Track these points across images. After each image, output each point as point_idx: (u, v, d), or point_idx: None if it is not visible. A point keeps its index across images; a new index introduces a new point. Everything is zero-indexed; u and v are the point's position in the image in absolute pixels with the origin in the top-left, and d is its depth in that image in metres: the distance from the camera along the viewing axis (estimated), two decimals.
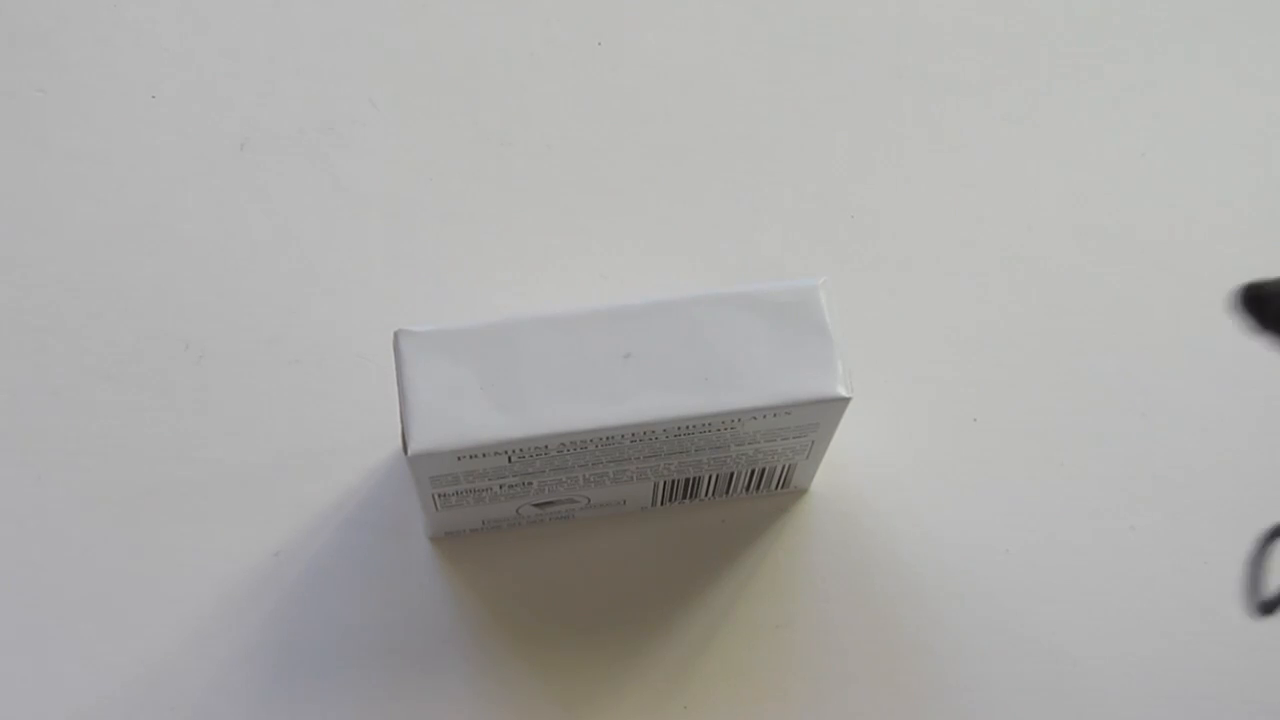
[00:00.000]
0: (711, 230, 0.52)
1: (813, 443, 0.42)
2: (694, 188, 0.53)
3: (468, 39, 0.55)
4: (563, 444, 0.38)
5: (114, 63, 0.54)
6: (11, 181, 0.51)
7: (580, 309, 0.39)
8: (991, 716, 0.45)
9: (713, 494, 0.46)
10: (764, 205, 0.53)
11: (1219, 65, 0.55)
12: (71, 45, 0.54)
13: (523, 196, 0.53)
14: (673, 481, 0.44)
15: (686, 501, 0.46)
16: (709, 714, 0.45)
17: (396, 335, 0.39)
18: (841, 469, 0.48)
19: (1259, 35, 0.56)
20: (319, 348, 0.49)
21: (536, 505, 0.44)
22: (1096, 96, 0.55)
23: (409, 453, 0.38)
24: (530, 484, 0.41)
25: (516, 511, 0.44)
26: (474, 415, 0.38)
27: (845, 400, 0.39)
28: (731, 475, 0.44)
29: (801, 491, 0.47)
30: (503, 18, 0.56)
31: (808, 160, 0.54)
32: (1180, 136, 0.54)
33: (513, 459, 0.39)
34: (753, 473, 0.44)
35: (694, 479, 0.44)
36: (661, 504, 0.46)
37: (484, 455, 0.38)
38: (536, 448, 0.38)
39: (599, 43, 0.56)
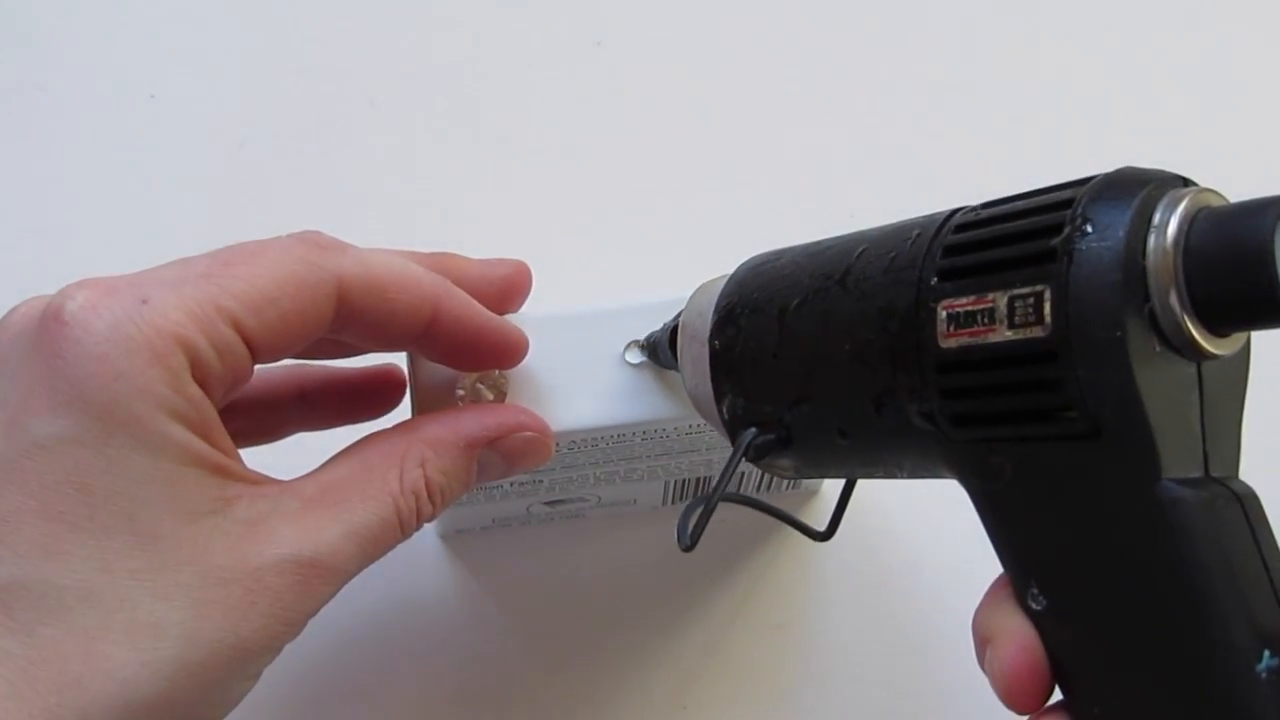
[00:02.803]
0: (711, 230, 0.52)
1: None
2: (694, 187, 0.53)
3: (468, 39, 0.55)
4: (573, 442, 0.38)
5: (114, 62, 0.53)
6: (12, 181, 0.51)
7: (590, 307, 0.39)
8: (991, 717, 0.46)
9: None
10: (764, 204, 0.53)
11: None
12: (71, 45, 0.53)
13: (523, 196, 0.53)
14: (684, 480, 0.44)
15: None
16: (708, 714, 0.45)
17: None
18: None
19: None
20: None
21: (547, 503, 0.44)
22: (1097, 96, 0.55)
23: None
24: (541, 482, 0.41)
25: (527, 510, 0.44)
26: None
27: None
28: (743, 474, 0.44)
29: (813, 493, 0.47)
30: (502, 18, 0.56)
31: (808, 159, 0.54)
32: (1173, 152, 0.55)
33: None
34: (764, 472, 0.44)
35: (705, 478, 0.44)
36: (673, 503, 0.46)
37: None
38: None
39: (599, 43, 0.56)
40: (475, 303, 0.35)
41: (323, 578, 0.29)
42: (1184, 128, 0.55)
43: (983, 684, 0.45)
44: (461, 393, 0.37)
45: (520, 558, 0.46)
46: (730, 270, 0.34)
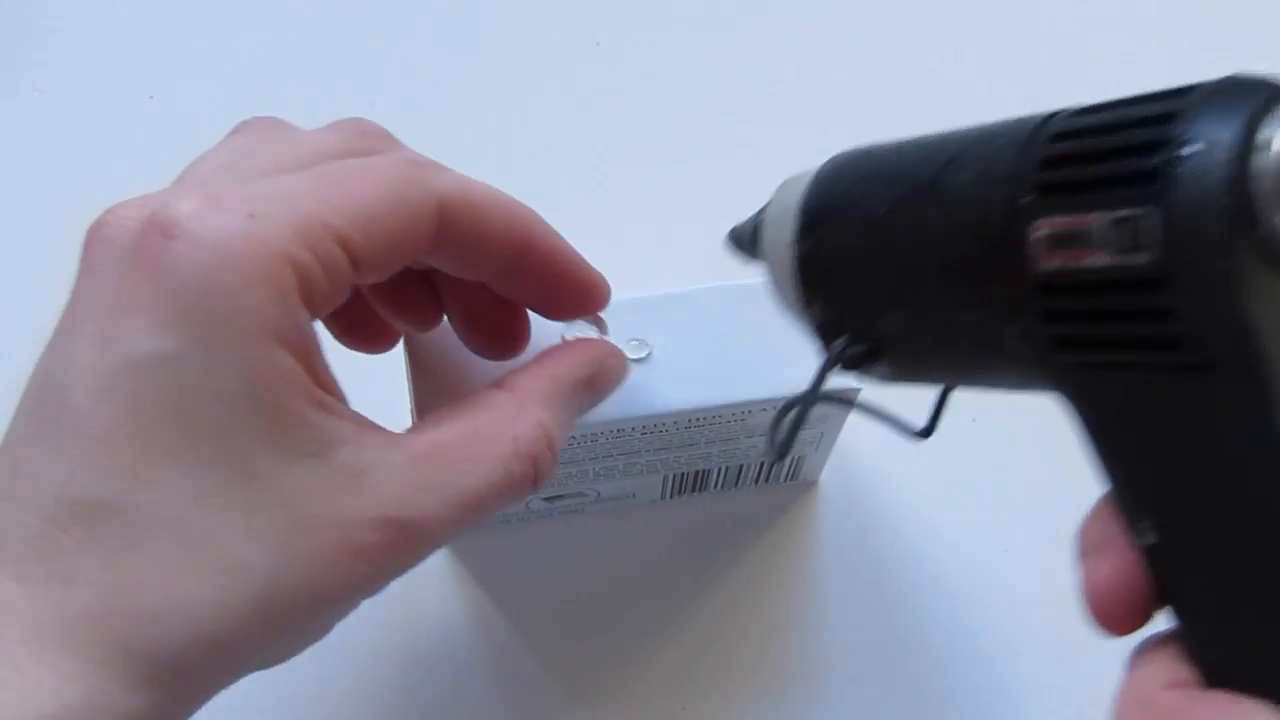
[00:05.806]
0: (712, 230, 0.52)
1: (822, 434, 0.42)
2: (694, 186, 0.53)
3: (468, 39, 0.55)
4: (573, 436, 0.38)
5: (114, 63, 0.54)
6: (11, 182, 0.51)
7: None
8: (991, 716, 0.45)
9: (722, 486, 0.46)
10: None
11: None
12: (71, 45, 0.53)
13: (522, 196, 0.53)
14: (682, 474, 0.44)
15: (696, 494, 0.46)
16: (707, 714, 0.45)
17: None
18: (851, 461, 0.48)
19: None
20: (325, 345, 0.49)
21: (546, 499, 0.44)
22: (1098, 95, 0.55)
23: None
24: None
25: (526, 505, 0.44)
26: None
27: (855, 391, 0.39)
28: (741, 467, 0.44)
29: (811, 483, 0.47)
30: (502, 18, 0.56)
31: (807, 158, 0.54)
32: None
33: None
34: (762, 464, 0.44)
35: (704, 471, 0.44)
36: (671, 496, 0.46)
37: None
38: None
39: (598, 43, 0.56)
40: (563, 239, 0.34)
41: (415, 541, 0.28)
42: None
43: (983, 684, 0.45)
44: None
45: (519, 555, 0.46)
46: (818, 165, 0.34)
